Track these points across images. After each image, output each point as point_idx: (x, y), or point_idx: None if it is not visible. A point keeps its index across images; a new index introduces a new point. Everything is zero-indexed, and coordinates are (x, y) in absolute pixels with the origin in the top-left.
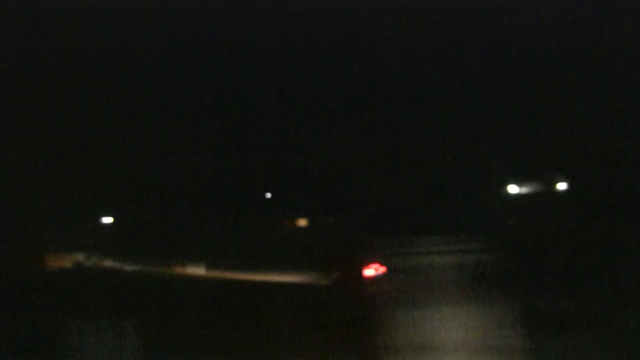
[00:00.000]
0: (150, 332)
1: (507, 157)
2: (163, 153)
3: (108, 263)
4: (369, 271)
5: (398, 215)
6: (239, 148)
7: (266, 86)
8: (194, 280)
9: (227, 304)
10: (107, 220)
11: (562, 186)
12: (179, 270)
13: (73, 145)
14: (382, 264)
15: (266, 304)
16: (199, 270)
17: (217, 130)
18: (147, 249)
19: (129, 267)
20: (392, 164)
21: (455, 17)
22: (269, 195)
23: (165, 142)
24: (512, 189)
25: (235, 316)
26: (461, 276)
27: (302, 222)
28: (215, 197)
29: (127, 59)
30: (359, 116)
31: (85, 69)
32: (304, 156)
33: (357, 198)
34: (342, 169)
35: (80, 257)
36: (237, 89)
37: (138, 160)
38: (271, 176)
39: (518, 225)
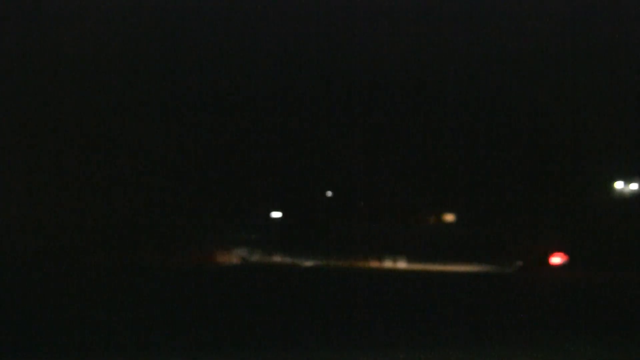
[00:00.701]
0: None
1: (614, 155)
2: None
3: (277, 258)
4: (555, 259)
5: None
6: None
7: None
8: (397, 273)
9: (433, 294)
10: (276, 215)
11: None
12: (374, 264)
13: (235, 142)
14: (565, 252)
15: (463, 292)
16: (400, 264)
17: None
18: (330, 245)
19: (308, 263)
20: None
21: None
22: (329, 193)
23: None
24: (619, 185)
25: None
26: None
27: (449, 218)
28: (376, 193)
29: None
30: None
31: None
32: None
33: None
34: (486, 168)
35: (243, 252)
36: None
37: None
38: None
39: None
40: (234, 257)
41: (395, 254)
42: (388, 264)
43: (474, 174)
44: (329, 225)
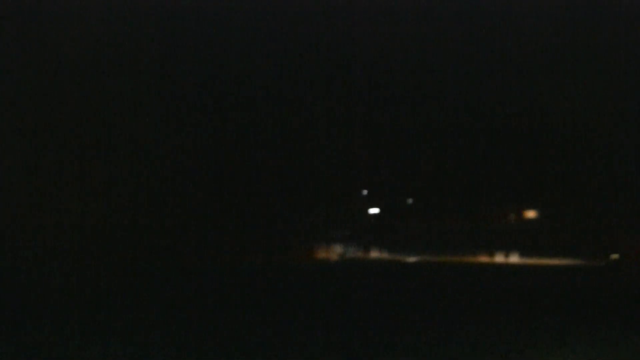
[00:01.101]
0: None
1: None
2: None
3: (375, 254)
4: None
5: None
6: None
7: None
8: (510, 267)
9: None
10: (374, 211)
11: None
12: (484, 259)
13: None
14: None
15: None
16: (512, 259)
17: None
18: (429, 241)
19: (411, 258)
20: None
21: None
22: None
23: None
24: None
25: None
26: None
27: (531, 214)
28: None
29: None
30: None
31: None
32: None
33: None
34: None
35: (340, 249)
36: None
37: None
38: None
39: None
40: (332, 253)
41: (502, 249)
42: (499, 258)
43: (569, 173)
44: (425, 222)
